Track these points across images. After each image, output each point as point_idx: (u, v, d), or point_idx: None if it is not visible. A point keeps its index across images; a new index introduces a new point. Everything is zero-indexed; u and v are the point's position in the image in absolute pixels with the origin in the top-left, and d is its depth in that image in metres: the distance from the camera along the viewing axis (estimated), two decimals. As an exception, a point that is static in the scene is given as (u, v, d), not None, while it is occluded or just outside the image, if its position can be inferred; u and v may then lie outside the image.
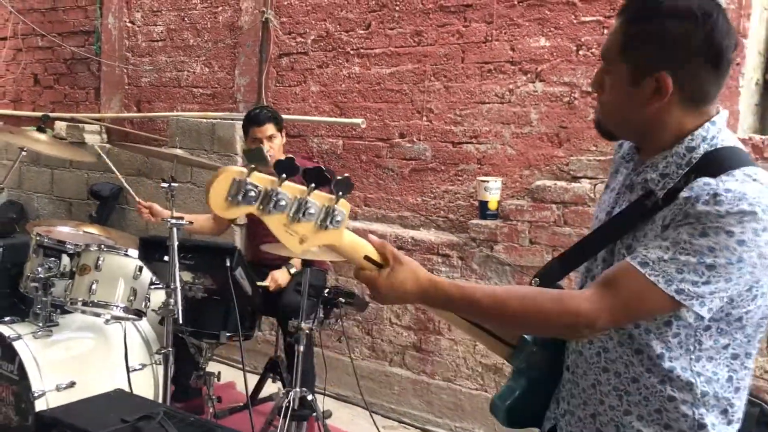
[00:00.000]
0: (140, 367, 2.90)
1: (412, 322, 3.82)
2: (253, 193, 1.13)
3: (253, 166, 1.13)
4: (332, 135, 4.29)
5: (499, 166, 3.69)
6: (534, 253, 3.41)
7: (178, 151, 2.75)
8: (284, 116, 4.35)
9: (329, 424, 3.17)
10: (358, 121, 4.07)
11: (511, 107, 3.64)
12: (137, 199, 3.25)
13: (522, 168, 3.62)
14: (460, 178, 3.82)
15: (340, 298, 2.80)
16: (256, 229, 3.41)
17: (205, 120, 4.63)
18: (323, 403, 3.51)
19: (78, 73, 5.77)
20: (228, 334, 2.86)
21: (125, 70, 5.38)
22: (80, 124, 5.43)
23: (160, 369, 2.77)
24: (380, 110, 4.09)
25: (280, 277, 3.20)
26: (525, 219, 3.45)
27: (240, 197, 1.12)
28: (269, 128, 3.33)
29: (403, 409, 3.86)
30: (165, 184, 2.60)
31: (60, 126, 5.52)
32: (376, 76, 4.10)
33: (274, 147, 3.33)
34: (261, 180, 1.14)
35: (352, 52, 4.19)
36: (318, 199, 1.20)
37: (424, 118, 3.93)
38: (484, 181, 3.57)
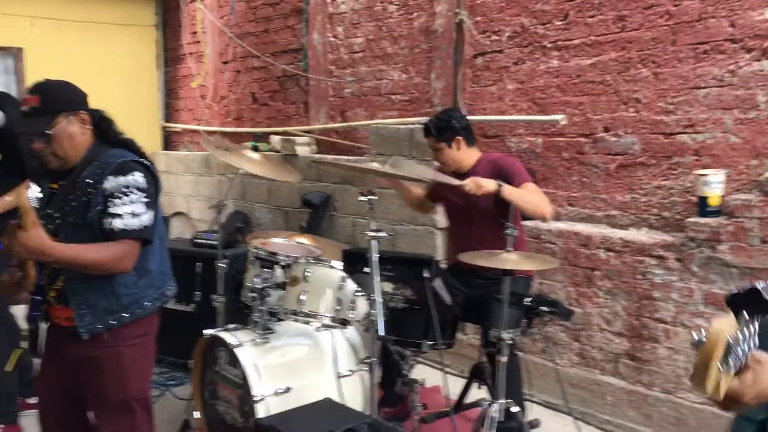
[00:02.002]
0: (349, 373, 3.00)
1: (624, 328, 3.57)
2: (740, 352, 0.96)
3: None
4: (531, 133, 4.15)
5: (720, 157, 3.32)
6: (767, 253, 3.02)
7: (375, 165, 2.80)
8: (480, 117, 4.31)
9: (538, 435, 3.06)
10: (558, 117, 3.89)
11: (732, 90, 3.26)
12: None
13: (748, 158, 3.23)
14: (675, 172, 3.50)
15: (543, 308, 2.68)
16: (457, 231, 3.38)
17: (403, 126, 4.72)
18: (531, 411, 3.41)
19: (289, 89, 6.17)
20: (429, 343, 2.87)
21: (330, 83, 5.65)
22: (292, 137, 5.80)
23: (368, 375, 2.84)
24: (581, 104, 3.87)
25: (485, 183, 2.92)
26: (754, 215, 3.07)
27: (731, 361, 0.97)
28: (430, 142, 3.27)
29: (618, 421, 3.62)
30: (364, 198, 2.66)
31: (275, 140, 5.95)
32: (575, 68, 3.89)
33: (445, 160, 3.26)
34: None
35: (549, 45, 4.01)
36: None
37: (631, 109, 3.65)
38: (703, 175, 3.24)
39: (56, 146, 2.18)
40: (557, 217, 3.88)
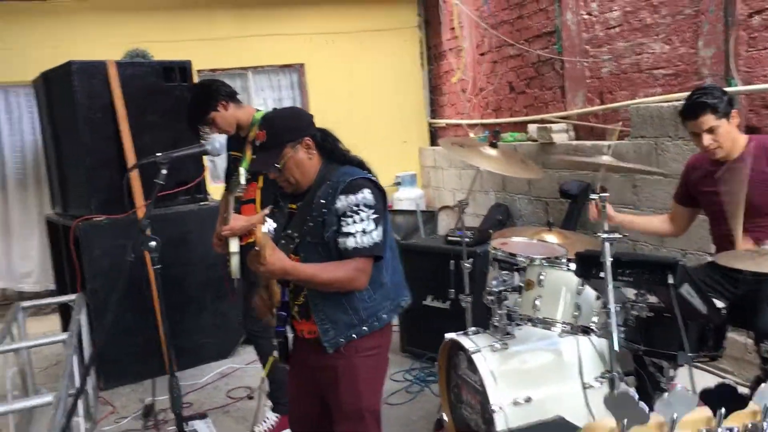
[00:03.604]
0: (597, 384, 2.77)
1: None
2: None
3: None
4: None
5: None
6: None
7: (605, 159, 2.52)
8: (760, 86, 3.69)
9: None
10: None
11: None
12: (592, 196, 3.09)
13: None
14: None
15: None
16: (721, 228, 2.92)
17: (666, 104, 4.23)
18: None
19: (544, 75, 5.93)
20: (690, 355, 2.51)
21: (585, 64, 5.30)
22: (548, 125, 5.56)
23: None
24: None
25: None
26: None
27: None
28: (707, 120, 2.74)
29: None
30: (595, 196, 2.41)
31: (531, 129, 5.76)
32: None
33: (719, 138, 2.77)
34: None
35: None
36: None
37: None
38: None
39: (288, 175, 2.31)
40: None
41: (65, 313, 5.40)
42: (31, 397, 3.89)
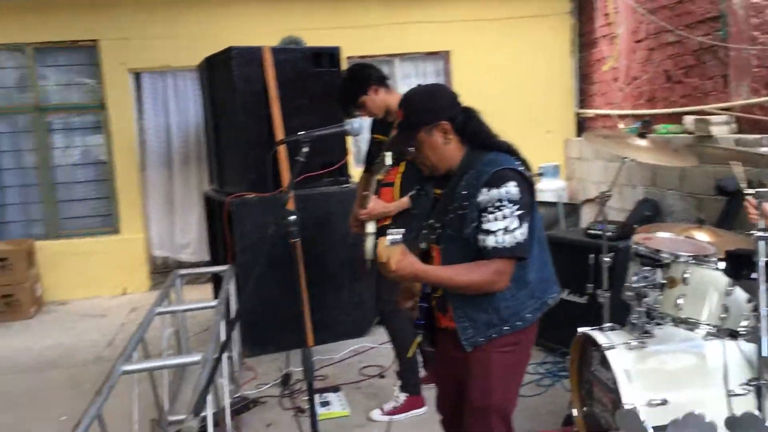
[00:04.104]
0: (743, 392, 2.58)
1: None
2: None
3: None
4: None
5: None
6: None
7: (765, 150, 2.33)
8: None
9: None
10: None
11: None
12: (746, 194, 2.87)
13: None
14: None
15: None
16: None
17: None
18: None
19: (706, 63, 5.55)
20: None
21: (753, 52, 4.90)
22: (707, 116, 5.21)
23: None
24: None
25: None
26: None
27: None
28: None
29: None
30: (751, 190, 2.24)
31: (687, 120, 5.42)
32: None
33: None
34: None
35: None
36: None
37: None
38: None
39: (422, 158, 2.24)
40: None
41: (217, 282, 5.80)
42: (183, 355, 4.24)
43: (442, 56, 7.95)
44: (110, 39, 7.15)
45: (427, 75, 8.00)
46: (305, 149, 2.36)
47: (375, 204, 3.43)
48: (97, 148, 7.48)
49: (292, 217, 2.27)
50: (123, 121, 7.30)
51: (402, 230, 2.11)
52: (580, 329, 2.93)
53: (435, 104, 2.23)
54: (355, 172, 5.97)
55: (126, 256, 7.36)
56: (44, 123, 7.29)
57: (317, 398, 3.86)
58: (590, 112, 7.83)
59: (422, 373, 3.96)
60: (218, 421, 3.08)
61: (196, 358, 2.81)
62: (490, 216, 2.09)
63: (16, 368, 5.11)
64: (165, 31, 7.16)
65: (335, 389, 4.15)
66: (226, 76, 5.06)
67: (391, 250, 2.07)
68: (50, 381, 4.77)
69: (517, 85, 7.83)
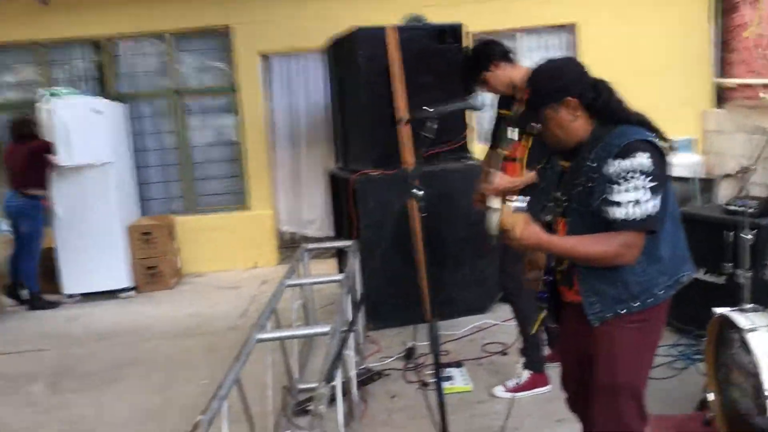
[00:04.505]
0: None
1: None
2: None
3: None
4: None
5: None
6: None
7: None
8: None
9: None
10: None
11: None
12: None
13: None
14: None
15: None
16: None
17: None
18: None
19: None
20: None
21: None
22: None
23: None
24: None
25: None
26: None
27: None
28: None
29: None
30: None
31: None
32: None
33: None
34: None
35: None
36: None
37: None
38: None
39: (549, 135, 2.21)
40: None
41: (341, 258, 5.97)
42: (312, 326, 4.42)
43: (568, 29, 7.69)
44: (242, 24, 7.48)
45: (551, 49, 7.78)
46: (433, 125, 2.38)
47: (501, 179, 3.40)
48: (229, 129, 7.88)
49: (420, 193, 2.30)
50: (253, 102, 7.63)
51: (527, 198, 2.10)
52: (717, 310, 2.79)
53: (561, 81, 2.17)
54: (477, 148, 5.95)
55: (256, 231, 7.73)
56: (182, 106, 7.75)
57: (440, 373, 3.92)
58: (730, 81, 7.32)
59: (546, 351, 3.91)
60: (345, 390, 3.20)
61: (326, 329, 2.92)
62: (620, 187, 2.02)
63: (161, 334, 5.52)
64: (292, 14, 7.39)
65: (458, 364, 4.19)
66: (351, 56, 5.16)
67: (516, 217, 2.07)
68: (191, 347, 5.12)
69: (650, 56, 7.44)
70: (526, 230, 2.07)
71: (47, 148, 6.37)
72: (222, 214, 7.81)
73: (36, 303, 6.55)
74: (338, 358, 2.13)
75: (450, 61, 5.02)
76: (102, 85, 7.69)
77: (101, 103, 6.82)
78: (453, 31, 5.16)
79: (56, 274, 6.71)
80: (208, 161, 7.89)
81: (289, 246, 7.99)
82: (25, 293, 6.62)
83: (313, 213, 7.90)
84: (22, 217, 6.44)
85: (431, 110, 2.40)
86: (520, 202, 2.08)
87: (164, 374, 4.59)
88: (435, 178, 4.97)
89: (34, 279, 6.55)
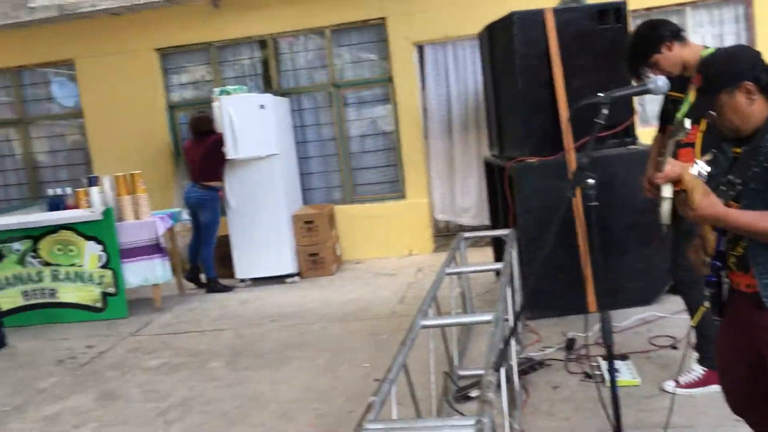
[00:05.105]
0: None
1: None
2: None
3: None
4: None
5: None
6: None
7: None
8: None
9: None
10: None
11: None
12: None
13: None
14: None
15: None
16: None
17: None
18: None
19: None
20: None
21: None
22: None
23: None
24: None
25: None
26: None
27: None
28: None
29: None
30: None
31: None
32: None
33: None
34: None
35: None
36: None
37: None
38: None
39: (723, 120, 2.15)
40: None
41: (497, 246, 5.95)
42: (474, 314, 4.45)
43: (743, 1, 7.11)
44: (397, 15, 7.62)
45: (723, 22, 7.24)
46: (605, 111, 2.32)
47: (673, 166, 3.23)
48: (383, 119, 8.07)
49: (590, 180, 2.25)
50: (408, 92, 7.76)
51: (709, 167, 2.02)
52: None
53: (735, 65, 2.14)
54: (641, 132, 5.67)
55: (411, 219, 7.87)
56: (340, 98, 8.03)
57: (605, 365, 3.81)
58: None
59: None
60: (507, 379, 3.20)
61: (489, 317, 2.93)
62: None
63: (324, 317, 5.80)
64: (445, 3, 7.41)
65: (623, 357, 4.04)
66: (507, 41, 5.10)
67: (697, 182, 2.00)
68: (353, 330, 5.34)
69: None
70: (705, 199, 2.00)
71: (223, 142, 6.87)
72: (378, 203, 8.03)
73: (213, 287, 7.11)
74: (507, 347, 2.14)
75: (612, 41, 4.83)
76: (267, 81, 8.15)
77: (266, 98, 7.23)
78: (616, 10, 4.95)
79: (230, 260, 7.23)
80: (364, 151, 8.14)
81: (444, 234, 8.07)
82: (203, 277, 7.21)
83: (467, 201, 7.91)
84: (201, 208, 7.00)
85: (604, 96, 2.33)
86: (703, 167, 1.99)
87: (329, 356, 4.81)
88: (598, 164, 4.72)
89: (212, 265, 7.11)
